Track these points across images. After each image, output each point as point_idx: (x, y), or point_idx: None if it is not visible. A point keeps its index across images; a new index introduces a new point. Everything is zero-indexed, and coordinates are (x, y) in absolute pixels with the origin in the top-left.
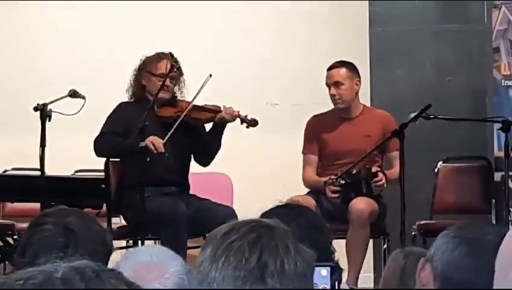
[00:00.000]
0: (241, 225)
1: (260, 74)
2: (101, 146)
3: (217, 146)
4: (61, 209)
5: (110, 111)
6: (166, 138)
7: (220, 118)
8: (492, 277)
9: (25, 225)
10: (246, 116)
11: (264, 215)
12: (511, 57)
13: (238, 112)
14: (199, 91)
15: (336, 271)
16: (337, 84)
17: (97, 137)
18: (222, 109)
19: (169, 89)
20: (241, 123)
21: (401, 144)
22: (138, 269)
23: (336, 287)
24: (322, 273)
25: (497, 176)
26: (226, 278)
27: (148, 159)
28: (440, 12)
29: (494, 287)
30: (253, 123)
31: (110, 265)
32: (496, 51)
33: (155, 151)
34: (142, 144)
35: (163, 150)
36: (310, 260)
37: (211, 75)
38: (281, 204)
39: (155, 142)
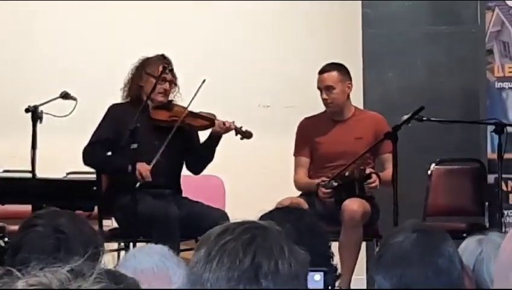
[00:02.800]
0: (235, 226)
1: (252, 75)
2: (90, 158)
3: (210, 157)
4: (52, 211)
5: (102, 113)
6: (161, 150)
7: (214, 132)
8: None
9: (16, 227)
10: (241, 127)
11: (263, 217)
12: (504, 58)
13: (233, 123)
14: (194, 97)
15: (328, 276)
16: (328, 88)
17: (86, 147)
18: (217, 117)
19: (167, 93)
20: (236, 134)
21: (394, 146)
22: (138, 278)
23: None
24: (315, 278)
25: (490, 178)
26: (220, 279)
27: (137, 186)
28: (433, 14)
29: (495, 287)
30: (247, 135)
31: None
32: (489, 53)
33: (142, 181)
34: (134, 146)
35: (150, 179)
36: (304, 261)
37: (204, 80)
38: (280, 207)
39: (142, 170)
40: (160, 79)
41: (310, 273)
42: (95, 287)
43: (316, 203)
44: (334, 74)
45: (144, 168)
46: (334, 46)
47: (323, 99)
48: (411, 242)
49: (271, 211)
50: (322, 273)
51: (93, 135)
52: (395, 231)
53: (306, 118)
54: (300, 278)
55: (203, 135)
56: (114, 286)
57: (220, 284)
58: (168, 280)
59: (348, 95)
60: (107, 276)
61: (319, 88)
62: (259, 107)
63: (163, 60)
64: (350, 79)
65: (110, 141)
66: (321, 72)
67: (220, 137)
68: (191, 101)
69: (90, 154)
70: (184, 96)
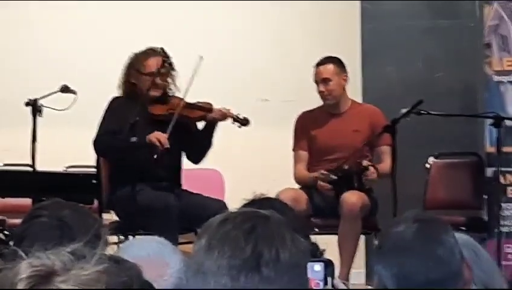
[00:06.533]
0: (236, 214)
1: (251, 70)
2: (102, 146)
3: (208, 145)
4: (56, 202)
5: (102, 106)
6: (172, 124)
7: (211, 118)
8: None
9: (16, 221)
10: (238, 115)
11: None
12: (502, 52)
13: (229, 110)
14: (193, 77)
15: (329, 267)
16: (325, 80)
17: (96, 138)
18: (213, 106)
19: (160, 86)
20: (233, 122)
21: (393, 139)
22: None
23: (329, 283)
24: (316, 268)
25: (489, 171)
26: (221, 268)
27: (155, 157)
28: (431, 8)
29: None
30: (244, 122)
31: None
32: (488, 47)
33: (161, 147)
34: (133, 139)
35: (168, 146)
36: (305, 249)
37: (201, 57)
38: (256, 198)
39: (160, 137)
40: (154, 75)
41: (310, 264)
42: (97, 269)
43: (315, 196)
44: (330, 66)
45: (161, 135)
46: (332, 41)
47: (320, 92)
48: (412, 232)
49: (249, 203)
50: (322, 263)
51: (100, 127)
52: (395, 221)
53: (303, 112)
54: (301, 266)
55: (201, 123)
56: (116, 267)
57: (222, 272)
58: (165, 266)
59: (344, 88)
60: (108, 258)
61: (315, 81)
62: (257, 101)
63: (162, 54)
64: (346, 72)
65: (116, 132)
66: (317, 65)
67: (216, 124)
68: (190, 82)
69: (103, 142)
70: (182, 90)
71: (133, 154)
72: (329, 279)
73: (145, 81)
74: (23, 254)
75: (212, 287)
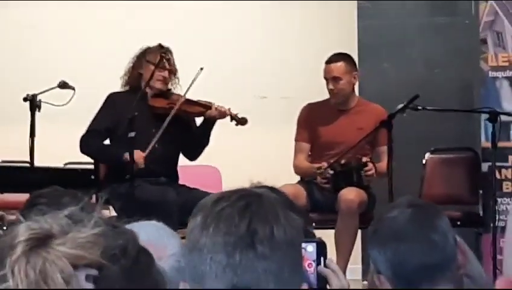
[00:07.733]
0: (230, 193)
1: (249, 67)
2: (86, 147)
3: (205, 142)
4: (55, 189)
5: (100, 102)
6: (157, 136)
7: (209, 115)
8: None
9: (14, 217)
10: (237, 114)
11: None
12: (498, 48)
13: (229, 109)
14: (190, 85)
15: (322, 248)
16: (335, 79)
17: (84, 136)
18: (213, 104)
19: (166, 81)
20: (231, 120)
21: (389, 134)
22: None
23: (322, 263)
24: (308, 249)
25: (485, 166)
26: (216, 245)
27: (127, 177)
28: (428, 5)
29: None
30: (242, 122)
31: None
32: (483, 43)
33: (136, 167)
34: (131, 134)
35: (142, 166)
36: (299, 226)
37: (201, 69)
38: (253, 187)
39: (135, 157)
40: (159, 66)
41: (303, 244)
42: (94, 232)
43: (314, 191)
44: (341, 64)
45: (137, 155)
46: (330, 38)
47: (330, 90)
48: (406, 217)
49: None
50: (315, 244)
51: (90, 124)
52: (390, 206)
53: (310, 104)
54: (295, 243)
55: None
56: (112, 231)
57: (217, 249)
58: (164, 248)
59: (354, 86)
60: (105, 222)
61: (325, 78)
62: (255, 98)
63: (162, 49)
64: (356, 69)
65: (108, 130)
66: (328, 62)
67: (214, 121)
68: (188, 89)
69: (86, 143)
70: (183, 88)
71: (116, 158)
72: (322, 259)
73: (152, 73)
74: (21, 218)
75: (208, 263)
